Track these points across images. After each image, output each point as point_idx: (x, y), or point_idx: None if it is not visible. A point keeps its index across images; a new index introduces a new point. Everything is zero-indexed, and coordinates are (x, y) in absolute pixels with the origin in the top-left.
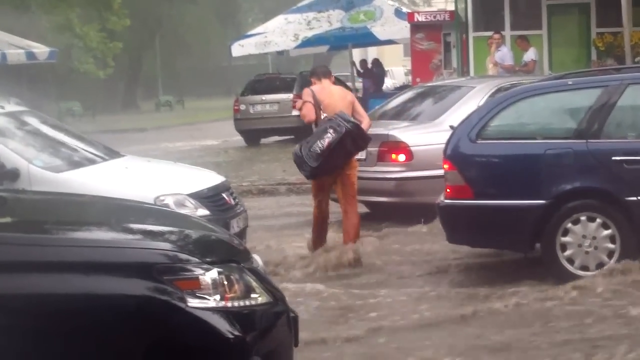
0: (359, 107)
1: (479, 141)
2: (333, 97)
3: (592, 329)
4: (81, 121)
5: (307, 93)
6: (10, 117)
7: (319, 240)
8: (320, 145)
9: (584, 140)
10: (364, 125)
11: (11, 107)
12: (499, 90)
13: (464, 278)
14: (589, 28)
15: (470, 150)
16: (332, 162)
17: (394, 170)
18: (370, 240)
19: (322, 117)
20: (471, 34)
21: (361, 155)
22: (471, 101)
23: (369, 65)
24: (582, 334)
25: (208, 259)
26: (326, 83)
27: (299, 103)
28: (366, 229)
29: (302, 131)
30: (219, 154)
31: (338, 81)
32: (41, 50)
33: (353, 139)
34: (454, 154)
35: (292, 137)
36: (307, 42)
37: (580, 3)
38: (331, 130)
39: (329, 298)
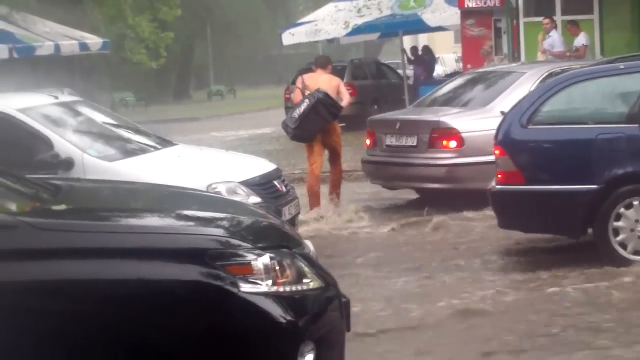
0: (343, 89)
1: (530, 126)
2: (318, 82)
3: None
4: (134, 111)
5: (298, 80)
6: (64, 107)
7: (314, 200)
8: (298, 111)
9: (636, 125)
10: (344, 102)
11: (65, 97)
12: (550, 75)
13: (516, 263)
14: None
15: (521, 135)
16: (308, 125)
17: (445, 156)
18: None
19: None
20: (522, 20)
21: (412, 142)
22: (522, 87)
23: (420, 52)
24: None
25: (260, 245)
26: (319, 72)
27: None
28: (415, 214)
29: (353, 118)
30: (271, 142)
31: (388, 69)
32: (94, 41)
33: (324, 106)
34: (505, 140)
35: (344, 124)
36: (358, 30)
37: None
38: (306, 100)
39: (378, 283)
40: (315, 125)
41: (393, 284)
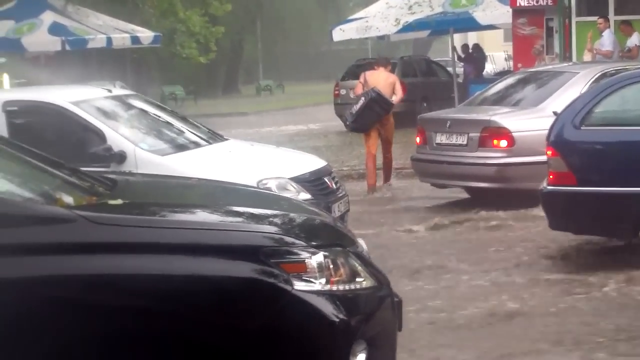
0: (398, 86)
1: (583, 127)
2: (378, 79)
3: None
4: (183, 105)
5: (361, 76)
6: (117, 100)
7: (372, 178)
8: (355, 108)
9: None
10: (396, 99)
11: (117, 90)
12: (603, 76)
13: (564, 265)
14: None
15: (574, 136)
16: (364, 120)
17: (496, 156)
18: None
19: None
20: (574, 19)
21: (462, 140)
22: (574, 87)
23: (470, 50)
24: None
25: (314, 243)
26: (380, 70)
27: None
28: (464, 213)
29: (402, 115)
30: (319, 139)
31: (438, 66)
32: (145, 34)
33: (377, 103)
34: (557, 140)
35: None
36: (409, 27)
37: None
38: (362, 98)
39: (424, 282)
40: (368, 119)
41: (439, 282)
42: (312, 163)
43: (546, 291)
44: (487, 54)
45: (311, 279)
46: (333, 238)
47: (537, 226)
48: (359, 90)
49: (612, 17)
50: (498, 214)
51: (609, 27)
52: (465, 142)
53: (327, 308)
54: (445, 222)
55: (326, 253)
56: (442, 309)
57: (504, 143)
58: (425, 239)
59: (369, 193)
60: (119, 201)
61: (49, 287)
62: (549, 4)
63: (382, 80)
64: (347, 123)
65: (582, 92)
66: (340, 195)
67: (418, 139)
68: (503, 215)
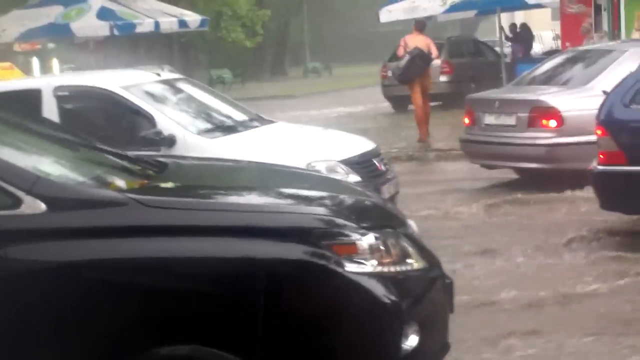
0: (432, 46)
1: (633, 106)
2: (416, 41)
3: None
4: (231, 88)
5: (402, 40)
6: (166, 84)
7: (424, 128)
8: (401, 63)
9: None
10: (434, 55)
11: (166, 74)
12: None
13: (616, 245)
14: None
15: (624, 115)
16: (408, 74)
17: (545, 136)
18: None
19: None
20: None
21: (511, 121)
22: (623, 65)
23: (518, 30)
24: None
25: (364, 224)
26: (416, 33)
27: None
28: (514, 194)
29: (450, 96)
30: (367, 120)
31: (485, 46)
32: (193, 18)
33: (420, 58)
34: (607, 120)
35: (440, 103)
36: (455, 7)
37: None
38: (407, 56)
39: (475, 266)
40: (413, 72)
41: (489, 265)
42: (361, 145)
43: (601, 272)
44: (534, 33)
45: (362, 261)
46: (383, 219)
47: (588, 207)
48: (401, 51)
49: None
50: (548, 195)
51: None
52: (514, 123)
53: (378, 290)
54: (495, 203)
55: (377, 234)
56: (494, 291)
57: (553, 123)
58: (475, 220)
59: (420, 141)
60: (170, 184)
61: (101, 270)
62: None
63: (419, 41)
64: (395, 76)
65: (632, 70)
66: (390, 177)
67: (467, 120)
68: (553, 196)
